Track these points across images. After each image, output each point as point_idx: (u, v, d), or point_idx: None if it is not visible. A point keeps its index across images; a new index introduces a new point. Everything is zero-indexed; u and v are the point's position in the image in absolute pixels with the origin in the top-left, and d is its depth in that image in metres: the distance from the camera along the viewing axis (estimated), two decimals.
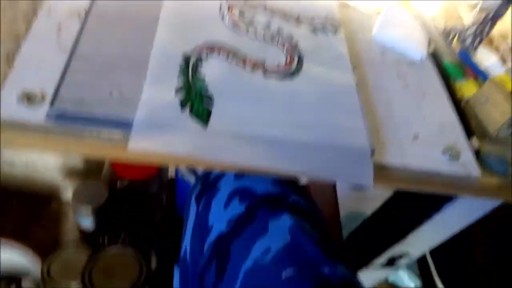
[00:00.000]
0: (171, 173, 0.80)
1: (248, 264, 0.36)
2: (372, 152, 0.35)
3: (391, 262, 0.60)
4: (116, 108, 0.30)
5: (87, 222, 0.66)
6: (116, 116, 0.30)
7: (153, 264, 0.72)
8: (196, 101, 0.33)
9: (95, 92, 0.31)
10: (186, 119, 0.31)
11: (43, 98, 0.29)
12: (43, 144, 0.28)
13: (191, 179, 0.72)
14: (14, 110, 0.29)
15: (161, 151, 0.29)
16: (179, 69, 0.34)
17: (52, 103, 0.29)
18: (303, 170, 0.32)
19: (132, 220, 0.67)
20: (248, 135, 0.32)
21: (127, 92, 0.31)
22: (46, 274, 0.58)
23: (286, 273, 0.34)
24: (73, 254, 0.61)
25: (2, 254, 0.62)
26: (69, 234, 0.73)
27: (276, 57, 0.39)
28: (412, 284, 0.77)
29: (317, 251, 0.36)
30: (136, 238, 0.66)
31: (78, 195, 0.64)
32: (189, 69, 0.34)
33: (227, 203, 0.41)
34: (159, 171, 0.72)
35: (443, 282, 0.76)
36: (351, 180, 0.34)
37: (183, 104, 0.32)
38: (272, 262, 0.35)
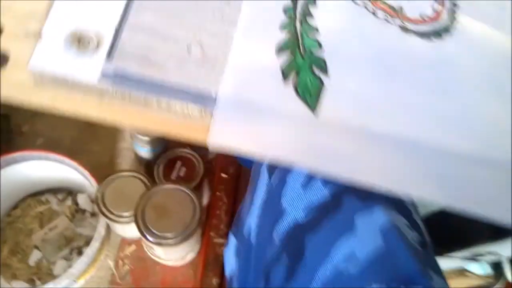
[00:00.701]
0: None
1: (326, 270, 0.29)
2: None
3: (472, 257, 0.52)
4: (194, 73, 0.21)
5: (144, 150, 0.62)
6: (194, 85, 0.21)
7: (205, 200, 0.69)
8: (305, 69, 0.22)
9: (169, 44, 0.22)
10: (289, 96, 0.22)
11: (98, 44, 0.21)
12: (95, 109, 0.21)
13: None
14: (60, 57, 0.21)
15: (253, 146, 0.21)
16: (284, 13, 0.23)
17: (110, 54, 0.21)
18: (450, 201, 0.22)
19: (187, 153, 0.63)
20: (373, 131, 0.22)
21: (211, 49, 0.22)
22: (101, 199, 0.56)
23: None
24: (128, 182, 0.58)
25: (59, 170, 0.61)
26: (125, 154, 0.71)
27: (418, 4, 0.26)
28: (481, 271, 0.69)
29: (413, 263, 0.29)
30: (190, 172, 0.62)
31: None
32: (297, 14, 0.23)
33: (306, 184, 0.33)
34: None
35: None
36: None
37: (286, 74, 0.22)
38: (357, 274, 0.28)
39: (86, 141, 0.71)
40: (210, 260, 0.65)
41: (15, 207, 0.65)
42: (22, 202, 0.65)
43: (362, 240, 0.29)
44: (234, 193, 0.72)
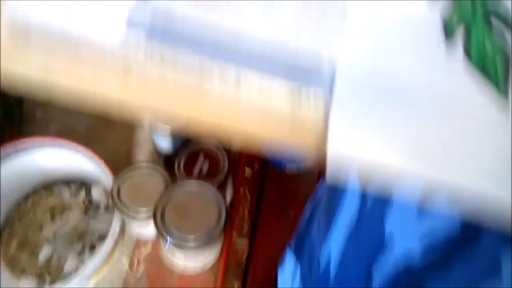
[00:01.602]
0: None
1: None
2: None
3: None
4: (287, 25, 0.12)
5: (164, 142, 0.57)
6: (289, 45, 0.12)
7: (228, 196, 0.63)
8: (478, 22, 0.13)
9: None
10: (457, 67, 0.13)
11: None
12: (116, 85, 0.14)
13: None
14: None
15: (398, 155, 0.13)
16: None
17: None
18: None
19: (211, 145, 0.57)
20: None
21: None
22: (116, 193, 0.51)
23: None
24: (147, 176, 0.53)
25: (72, 159, 0.56)
26: (144, 144, 0.66)
27: None
28: None
29: None
30: (213, 167, 0.56)
31: None
32: None
33: (423, 203, 0.24)
34: None
35: None
36: None
37: (449, 30, 0.13)
38: None
39: (102, 129, 0.66)
40: (231, 263, 0.60)
41: (25, 198, 0.60)
42: (33, 193, 0.61)
43: None
44: (259, 192, 0.66)
